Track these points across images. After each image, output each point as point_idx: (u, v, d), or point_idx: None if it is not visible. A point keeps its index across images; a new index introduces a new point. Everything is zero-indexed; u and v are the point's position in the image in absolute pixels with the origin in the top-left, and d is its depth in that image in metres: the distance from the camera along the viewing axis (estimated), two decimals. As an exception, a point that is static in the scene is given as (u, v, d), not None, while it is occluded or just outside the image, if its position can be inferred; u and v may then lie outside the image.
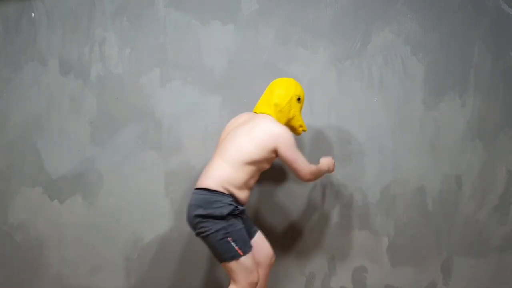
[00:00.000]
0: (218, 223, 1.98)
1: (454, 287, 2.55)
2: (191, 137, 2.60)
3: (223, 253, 2.00)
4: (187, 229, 2.58)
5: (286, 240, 2.58)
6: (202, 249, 2.59)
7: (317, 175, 2.17)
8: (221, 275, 2.60)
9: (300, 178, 2.13)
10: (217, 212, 1.97)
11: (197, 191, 2.05)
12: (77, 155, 2.63)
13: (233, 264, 1.99)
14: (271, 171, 2.58)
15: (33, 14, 2.64)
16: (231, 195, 2.02)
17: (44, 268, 2.65)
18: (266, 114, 2.16)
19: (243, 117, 2.24)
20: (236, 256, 1.99)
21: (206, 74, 2.60)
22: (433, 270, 2.57)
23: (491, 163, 2.56)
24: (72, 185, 2.63)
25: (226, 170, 2.02)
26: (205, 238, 2.01)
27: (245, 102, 2.57)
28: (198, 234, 2.03)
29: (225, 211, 1.97)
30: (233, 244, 1.99)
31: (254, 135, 2.06)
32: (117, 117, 2.62)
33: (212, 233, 1.98)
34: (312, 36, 2.57)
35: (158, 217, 2.61)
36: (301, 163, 2.08)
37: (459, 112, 2.56)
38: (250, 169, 2.05)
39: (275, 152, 2.06)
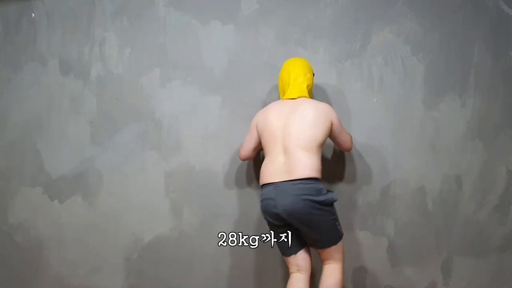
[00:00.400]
0: (329, 210, 2.08)
1: (454, 287, 2.55)
2: (191, 137, 2.60)
3: (333, 237, 2.11)
4: (187, 229, 2.59)
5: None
6: (202, 249, 2.59)
7: None
8: (221, 275, 2.61)
9: (347, 148, 2.31)
10: (327, 199, 2.06)
11: (298, 181, 2.04)
12: (77, 155, 2.63)
13: (338, 246, 2.13)
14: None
15: (33, 14, 2.64)
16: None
17: (44, 268, 2.65)
18: (303, 97, 2.23)
19: (285, 106, 2.20)
20: (341, 238, 2.15)
21: (206, 74, 2.60)
22: (433, 270, 2.57)
23: (491, 163, 2.56)
24: (72, 185, 2.64)
25: (311, 158, 2.08)
26: (317, 224, 2.06)
27: (245, 102, 2.58)
28: (309, 222, 2.05)
29: (332, 197, 2.08)
30: (339, 227, 2.14)
31: (313, 118, 2.13)
32: (117, 117, 2.62)
33: (325, 219, 2.06)
34: (312, 36, 2.57)
35: (158, 217, 2.61)
36: (347, 133, 2.29)
37: (459, 112, 2.56)
38: (321, 151, 2.17)
39: (331, 126, 2.19)
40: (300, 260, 2.16)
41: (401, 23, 2.55)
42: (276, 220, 2.12)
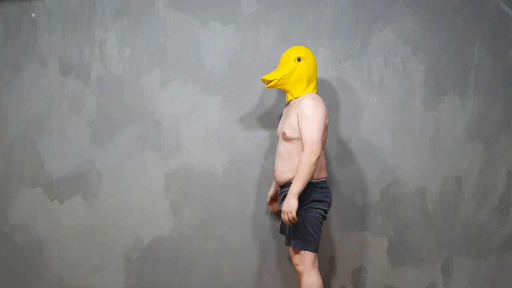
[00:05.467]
0: None
1: (454, 288, 2.56)
2: (191, 137, 2.60)
3: None
4: (187, 229, 2.59)
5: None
6: (202, 250, 2.59)
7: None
8: (221, 276, 2.60)
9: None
10: None
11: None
12: (77, 156, 2.63)
13: None
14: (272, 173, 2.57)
15: (33, 15, 2.65)
16: None
17: (44, 269, 2.65)
18: None
19: None
20: None
21: (206, 74, 2.60)
22: (433, 270, 2.57)
23: (491, 164, 2.56)
24: (72, 185, 2.64)
25: None
26: None
27: (245, 102, 2.58)
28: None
29: None
30: None
31: None
32: (117, 117, 2.62)
33: None
34: (312, 36, 2.57)
35: (158, 217, 2.61)
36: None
37: (459, 113, 2.56)
38: None
39: None
40: None
41: (401, 24, 2.56)
42: None
